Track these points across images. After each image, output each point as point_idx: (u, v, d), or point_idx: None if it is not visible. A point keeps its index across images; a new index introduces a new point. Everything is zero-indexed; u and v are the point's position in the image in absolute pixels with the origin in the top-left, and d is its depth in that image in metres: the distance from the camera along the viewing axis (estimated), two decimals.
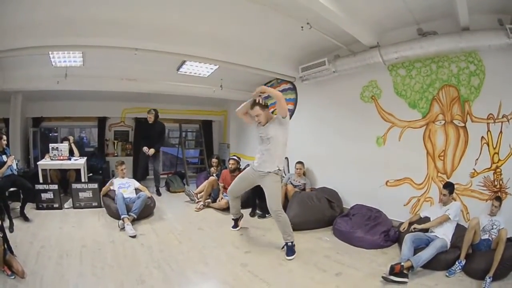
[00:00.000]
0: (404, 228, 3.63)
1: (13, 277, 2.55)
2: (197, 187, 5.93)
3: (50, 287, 2.51)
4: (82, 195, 4.86)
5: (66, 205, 4.85)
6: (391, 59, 4.00)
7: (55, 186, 4.73)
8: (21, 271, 2.60)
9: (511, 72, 3.33)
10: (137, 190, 4.78)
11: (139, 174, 6.21)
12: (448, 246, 3.16)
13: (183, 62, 4.97)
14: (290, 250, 3.35)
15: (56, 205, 4.69)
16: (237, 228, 4.17)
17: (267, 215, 4.77)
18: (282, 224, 3.39)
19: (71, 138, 5.70)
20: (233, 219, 4.20)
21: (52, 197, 4.68)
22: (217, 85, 6.05)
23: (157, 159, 6.44)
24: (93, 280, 2.66)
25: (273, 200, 3.40)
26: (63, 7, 3.18)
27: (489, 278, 2.67)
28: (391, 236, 3.74)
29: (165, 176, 7.36)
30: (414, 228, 3.39)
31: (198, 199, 5.47)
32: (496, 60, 3.43)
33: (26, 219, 4.07)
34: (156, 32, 3.72)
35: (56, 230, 3.82)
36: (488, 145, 3.51)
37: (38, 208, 4.61)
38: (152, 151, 5.90)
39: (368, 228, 3.85)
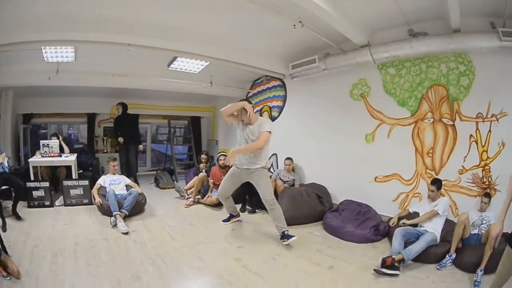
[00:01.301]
0: (393, 223, 3.68)
1: (8, 278, 2.51)
2: (186, 183, 5.96)
3: (46, 287, 2.48)
4: (73, 192, 4.82)
5: (57, 203, 4.79)
6: (381, 58, 4.05)
7: (46, 184, 4.67)
8: (17, 271, 2.56)
9: (501, 73, 3.41)
10: (127, 187, 4.78)
11: (127, 170, 6.24)
12: (438, 240, 3.23)
13: (174, 58, 4.95)
14: (287, 236, 3.49)
15: (47, 203, 4.64)
16: (228, 223, 4.25)
17: (257, 210, 4.85)
18: (277, 214, 3.55)
19: (59, 136, 5.63)
20: (231, 214, 4.29)
21: (43, 194, 4.63)
22: (207, 82, 6.05)
23: (132, 150, 6.47)
24: (89, 278, 2.64)
25: (267, 191, 3.57)
26: (58, 2, 3.14)
27: (481, 271, 2.73)
28: (381, 230, 3.81)
29: (154, 172, 7.38)
30: (404, 223, 3.46)
31: (188, 195, 5.48)
32: (486, 61, 3.49)
33: (18, 217, 4.01)
34: (149, 28, 3.70)
35: (48, 228, 3.78)
36: (476, 143, 3.59)
37: (29, 206, 4.55)
38: (121, 139, 6.11)
39: (358, 222, 3.91)
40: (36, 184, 4.64)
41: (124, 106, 6.31)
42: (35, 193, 4.60)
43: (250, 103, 3.59)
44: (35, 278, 2.58)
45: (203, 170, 5.75)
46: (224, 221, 4.27)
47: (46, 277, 2.60)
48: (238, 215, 4.34)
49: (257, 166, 3.55)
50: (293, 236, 3.47)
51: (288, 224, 3.64)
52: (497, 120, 3.45)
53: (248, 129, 3.55)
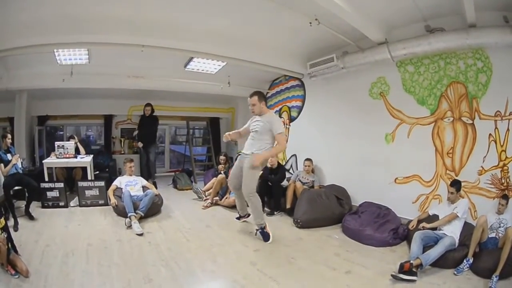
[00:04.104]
0: (413, 226, 3.60)
1: (17, 276, 2.54)
2: (204, 185, 5.94)
3: (55, 287, 2.48)
4: (88, 193, 4.86)
5: (72, 203, 4.85)
6: (399, 55, 3.97)
7: (61, 184, 4.73)
8: (25, 270, 2.58)
9: None
10: (144, 188, 4.77)
11: (148, 171, 6.30)
12: (457, 244, 3.14)
13: (191, 59, 4.96)
14: (265, 235, 3.63)
15: (62, 204, 4.69)
16: (241, 220, 4.29)
17: (276, 212, 4.80)
18: (254, 206, 3.65)
19: (76, 137, 5.70)
20: (239, 214, 4.26)
21: (58, 195, 4.68)
22: (225, 82, 6.02)
23: (152, 150, 6.52)
24: (99, 279, 2.63)
25: (246, 181, 3.62)
26: (68, 4, 3.16)
27: (496, 277, 2.65)
28: (400, 234, 3.74)
29: (173, 173, 7.37)
30: (423, 227, 3.37)
31: (206, 196, 5.46)
32: (503, 57, 3.41)
33: (31, 217, 4.06)
34: (163, 29, 3.70)
35: (61, 229, 3.81)
36: (495, 142, 3.49)
37: (43, 206, 4.61)
38: (140, 144, 6.25)
39: (377, 225, 3.83)
40: (51, 185, 4.70)
41: (152, 107, 6.40)
42: (50, 194, 4.66)
43: (262, 95, 3.70)
44: (44, 277, 2.59)
45: (222, 172, 5.73)
46: (237, 218, 4.32)
47: (55, 277, 2.62)
48: (246, 216, 4.24)
49: (252, 151, 3.61)
50: (269, 238, 3.64)
51: (307, 227, 3.67)
52: None
53: (256, 120, 3.68)
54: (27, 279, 2.53)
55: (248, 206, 3.85)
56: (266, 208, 4.92)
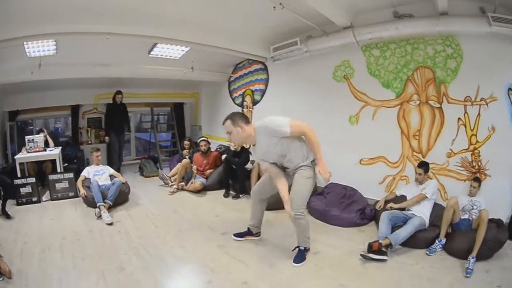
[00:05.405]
0: (380, 206, 3.65)
1: (1, 278, 2.46)
2: (170, 171, 5.93)
3: (36, 284, 2.46)
4: (58, 186, 4.79)
5: (44, 198, 4.75)
6: (364, 39, 3.98)
7: (33, 179, 4.62)
8: (8, 271, 2.49)
9: (491, 58, 3.37)
10: (111, 177, 4.74)
11: (115, 159, 6.28)
12: (427, 224, 3.18)
13: (155, 45, 4.90)
14: (302, 257, 2.84)
15: (34, 199, 4.59)
16: (240, 239, 3.30)
17: (241, 195, 4.84)
18: (301, 229, 2.83)
19: (45, 130, 5.61)
20: (248, 229, 3.32)
21: (30, 191, 4.58)
22: (188, 67, 5.98)
23: (124, 141, 6.54)
24: (75, 272, 2.64)
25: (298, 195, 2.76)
26: None
27: (472, 258, 2.66)
28: (367, 214, 3.78)
29: (139, 161, 7.35)
30: (391, 207, 3.42)
31: (171, 182, 5.45)
32: (475, 45, 3.45)
33: (8, 216, 3.93)
34: (127, 16, 3.62)
35: (36, 225, 3.77)
36: (465, 126, 3.56)
37: (18, 203, 4.49)
38: (107, 138, 6.24)
39: (343, 206, 3.87)
40: (23, 180, 4.59)
41: (123, 94, 6.35)
42: (23, 190, 4.55)
43: (236, 116, 2.73)
44: (26, 276, 2.56)
45: (186, 157, 5.77)
46: (236, 235, 3.33)
47: (36, 274, 2.60)
48: (257, 234, 3.33)
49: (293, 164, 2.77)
50: (300, 262, 2.81)
51: (271, 209, 3.47)
52: (487, 105, 3.42)
53: (258, 147, 2.78)
54: (11, 280, 2.46)
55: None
56: (231, 191, 5.00)
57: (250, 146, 4.83)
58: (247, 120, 2.75)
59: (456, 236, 3.01)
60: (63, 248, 3.10)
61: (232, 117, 2.69)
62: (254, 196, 3.17)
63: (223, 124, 2.74)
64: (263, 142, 2.66)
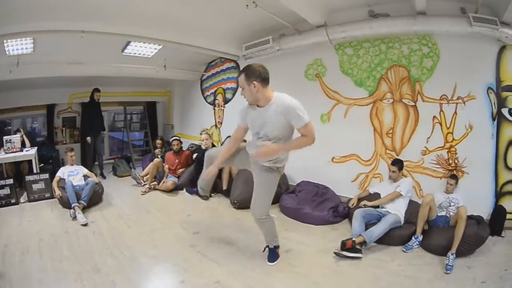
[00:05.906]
0: (353, 204, 3.67)
1: None
2: (143, 170, 5.89)
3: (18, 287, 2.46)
4: (35, 187, 4.72)
5: (22, 199, 4.68)
6: (338, 38, 4.00)
7: (11, 181, 4.54)
8: None
9: (469, 58, 3.42)
10: (85, 177, 4.71)
11: (89, 160, 6.19)
12: (402, 221, 3.20)
13: (128, 43, 4.88)
14: (274, 256, 2.81)
15: (13, 201, 4.51)
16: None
17: (212, 195, 4.83)
18: (267, 229, 2.77)
19: (22, 130, 5.50)
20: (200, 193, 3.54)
21: (9, 192, 4.50)
22: (161, 66, 5.96)
23: (100, 141, 6.45)
24: (53, 274, 2.63)
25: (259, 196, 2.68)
26: None
27: (452, 254, 2.66)
28: (340, 212, 3.79)
29: (112, 160, 7.27)
30: (364, 205, 3.44)
31: (144, 182, 5.43)
32: (453, 45, 3.49)
33: None
34: (102, 13, 3.59)
35: (16, 227, 3.73)
36: (440, 124, 3.61)
37: None
38: (89, 139, 6.05)
39: (315, 204, 3.88)
40: (2, 182, 4.50)
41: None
42: (1, 192, 4.47)
43: (253, 71, 2.38)
44: (9, 278, 2.55)
45: (158, 156, 5.75)
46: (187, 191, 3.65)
47: (17, 277, 2.59)
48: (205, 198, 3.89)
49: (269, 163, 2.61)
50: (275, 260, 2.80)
51: (243, 208, 3.48)
52: (464, 103, 3.47)
53: (257, 112, 2.50)
54: None
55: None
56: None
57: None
58: (264, 80, 2.42)
59: (433, 233, 3.04)
60: (41, 250, 3.08)
61: (247, 71, 2.36)
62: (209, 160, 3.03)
63: (238, 77, 2.45)
64: (271, 110, 2.41)
